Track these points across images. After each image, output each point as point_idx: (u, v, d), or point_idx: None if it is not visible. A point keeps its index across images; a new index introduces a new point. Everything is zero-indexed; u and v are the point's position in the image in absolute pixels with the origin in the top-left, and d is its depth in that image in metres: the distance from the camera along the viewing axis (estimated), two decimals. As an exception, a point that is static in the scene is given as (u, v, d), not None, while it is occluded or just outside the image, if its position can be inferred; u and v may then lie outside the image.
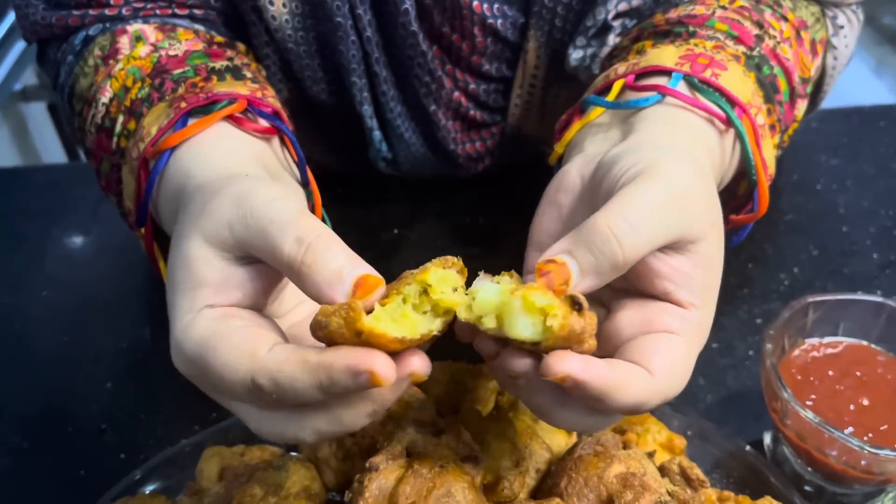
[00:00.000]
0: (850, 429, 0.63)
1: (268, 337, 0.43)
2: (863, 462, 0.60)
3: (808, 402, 0.65)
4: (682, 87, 0.58)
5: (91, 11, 0.71)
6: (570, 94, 0.84)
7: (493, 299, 0.42)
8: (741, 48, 0.63)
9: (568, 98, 0.84)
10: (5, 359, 0.85)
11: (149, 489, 0.66)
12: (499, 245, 0.92)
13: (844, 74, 0.94)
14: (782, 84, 0.64)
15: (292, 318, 0.53)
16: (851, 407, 0.64)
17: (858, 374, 0.66)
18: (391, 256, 0.92)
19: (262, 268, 0.47)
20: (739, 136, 0.58)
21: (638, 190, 0.46)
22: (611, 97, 0.60)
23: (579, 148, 0.59)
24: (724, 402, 0.75)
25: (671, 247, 0.47)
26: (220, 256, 0.46)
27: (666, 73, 0.59)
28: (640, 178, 0.46)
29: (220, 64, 0.67)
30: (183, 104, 0.59)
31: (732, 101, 0.58)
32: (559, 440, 0.63)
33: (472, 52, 0.81)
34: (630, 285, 0.50)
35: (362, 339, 0.40)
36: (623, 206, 0.45)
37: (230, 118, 0.59)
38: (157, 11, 0.72)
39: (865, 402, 0.64)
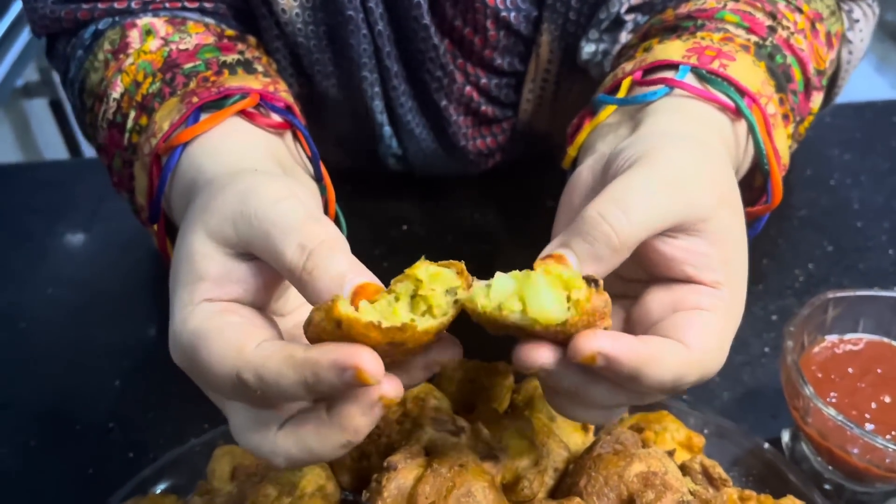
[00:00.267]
0: (872, 426, 0.62)
1: (258, 333, 0.43)
2: (887, 460, 0.59)
3: (829, 400, 0.64)
4: (690, 78, 0.58)
5: (100, 5, 0.70)
6: (582, 89, 0.83)
7: (510, 285, 0.41)
8: (752, 38, 0.62)
9: (581, 94, 0.83)
10: (11, 357, 0.84)
11: (159, 489, 0.65)
12: (509, 242, 0.91)
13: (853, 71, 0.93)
14: (797, 73, 0.64)
15: (297, 317, 0.52)
16: (873, 405, 0.63)
17: (879, 371, 0.65)
18: (400, 253, 0.91)
19: (264, 264, 0.46)
20: (750, 125, 0.57)
21: (630, 175, 0.46)
22: (620, 95, 0.60)
23: (592, 149, 0.58)
24: (741, 400, 0.74)
25: (680, 229, 0.46)
26: (223, 252, 0.45)
27: (673, 66, 0.59)
28: (635, 165, 0.47)
29: (231, 58, 0.66)
30: (195, 99, 0.59)
31: (742, 91, 0.58)
32: (576, 439, 0.62)
33: (485, 46, 0.80)
34: (653, 276, 0.49)
35: (343, 332, 0.38)
36: (614, 191, 0.45)
37: (242, 113, 0.59)
38: (167, 4, 0.71)
39: (887, 400, 0.63)
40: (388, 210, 0.96)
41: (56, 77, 1.89)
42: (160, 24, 0.68)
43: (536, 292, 0.41)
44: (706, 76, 0.58)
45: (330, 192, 0.62)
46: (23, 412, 0.78)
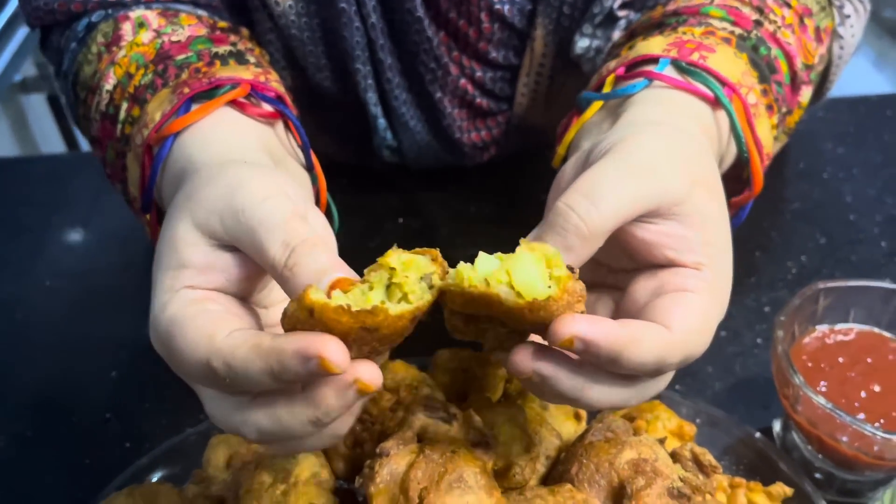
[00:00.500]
0: (862, 415, 0.62)
1: (232, 322, 0.43)
2: (875, 448, 0.59)
3: (820, 389, 0.64)
4: (669, 71, 0.58)
5: None
6: (576, 83, 0.83)
7: (494, 263, 0.41)
8: (737, 30, 0.63)
9: (575, 88, 0.83)
10: (8, 348, 0.84)
11: (155, 477, 0.65)
12: (504, 234, 0.91)
13: (845, 66, 0.93)
14: (783, 66, 0.64)
15: (280, 309, 0.52)
16: (863, 394, 0.64)
17: (869, 360, 0.66)
18: (395, 245, 0.91)
19: (248, 256, 0.47)
20: (728, 114, 0.58)
21: (600, 166, 0.47)
22: (604, 91, 0.60)
23: (577, 146, 0.59)
24: (733, 390, 0.75)
25: (656, 214, 0.47)
26: (207, 241, 0.46)
27: (654, 60, 0.60)
28: (606, 155, 0.48)
29: (223, 49, 0.66)
30: (186, 90, 0.59)
31: (722, 82, 0.58)
32: (569, 427, 0.63)
33: (479, 39, 0.80)
34: (638, 263, 0.50)
35: (316, 320, 0.38)
36: (583, 183, 0.46)
37: (233, 103, 0.59)
38: None
39: (877, 389, 0.64)
40: (384, 202, 0.96)
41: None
42: (153, 17, 0.69)
43: (522, 267, 0.41)
44: (686, 68, 0.58)
45: (321, 181, 0.62)
46: (20, 402, 0.78)
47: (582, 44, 0.76)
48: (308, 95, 0.85)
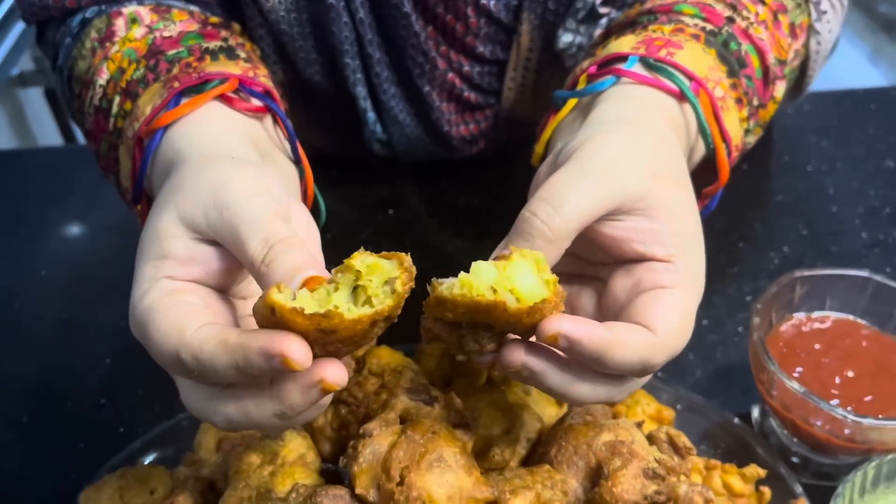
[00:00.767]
0: (836, 400, 0.64)
1: (204, 315, 0.45)
2: (846, 431, 0.61)
3: (795, 375, 0.66)
4: (637, 67, 0.60)
5: None
6: (563, 78, 0.84)
7: (491, 270, 0.43)
8: (708, 26, 0.65)
9: (561, 82, 0.85)
10: (4, 337, 0.86)
11: (148, 460, 0.67)
12: (493, 226, 0.92)
13: (840, 62, 0.94)
14: (754, 61, 0.66)
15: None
16: (837, 379, 0.65)
17: (844, 347, 0.67)
18: (385, 237, 0.93)
19: (228, 251, 0.48)
20: (693, 107, 0.59)
21: (560, 172, 0.49)
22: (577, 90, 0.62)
23: (553, 145, 0.60)
24: (713, 377, 0.77)
25: (620, 212, 0.49)
26: (190, 234, 0.48)
27: (624, 58, 0.61)
28: (567, 160, 0.50)
29: (214, 44, 0.68)
30: (176, 84, 0.60)
31: (688, 76, 0.60)
32: (550, 411, 0.64)
33: (466, 34, 0.81)
34: (614, 258, 0.52)
35: (277, 318, 0.40)
36: (544, 190, 0.48)
37: (222, 97, 0.60)
38: None
39: (850, 374, 0.65)
40: (374, 194, 0.98)
41: (50, 66, 1.91)
42: (145, 13, 0.70)
43: (520, 274, 0.43)
44: (653, 64, 0.60)
45: (308, 174, 0.64)
46: (16, 389, 0.80)
47: (566, 38, 0.78)
48: (299, 90, 0.86)
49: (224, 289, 0.50)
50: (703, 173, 0.62)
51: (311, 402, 0.43)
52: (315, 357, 0.42)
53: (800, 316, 0.70)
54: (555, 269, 0.47)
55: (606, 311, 0.52)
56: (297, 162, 0.63)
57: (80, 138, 1.96)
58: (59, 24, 0.75)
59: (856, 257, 0.87)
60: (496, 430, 0.57)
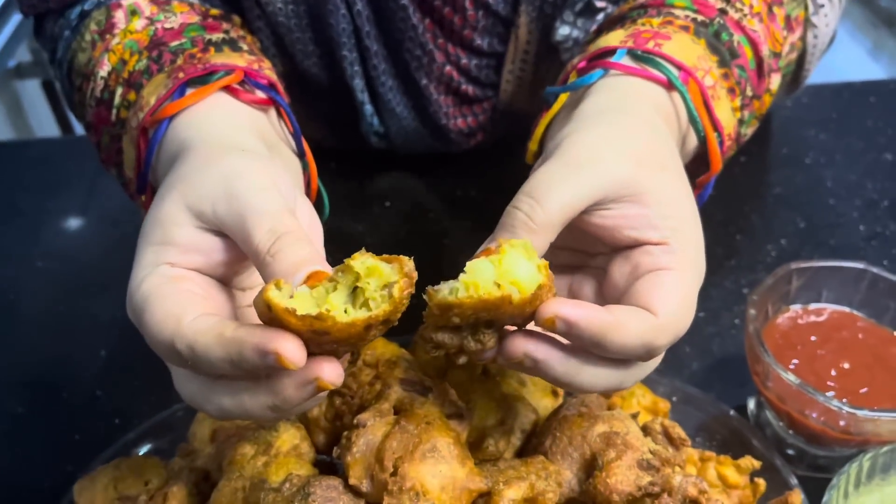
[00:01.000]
0: (831, 392, 0.64)
1: (201, 305, 0.45)
2: (841, 423, 0.61)
3: (790, 367, 0.66)
4: (625, 59, 0.60)
5: None
6: (561, 71, 0.84)
7: (488, 267, 0.43)
8: (699, 17, 0.65)
9: (559, 75, 0.85)
10: (0, 327, 0.86)
11: (142, 451, 0.67)
12: (490, 218, 0.93)
13: (840, 56, 0.94)
14: (747, 52, 0.65)
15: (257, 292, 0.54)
16: (833, 371, 0.65)
17: (840, 338, 0.67)
18: (382, 228, 0.93)
19: (231, 242, 0.48)
20: (681, 95, 0.59)
21: (543, 168, 0.49)
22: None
23: (545, 142, 0.60)
24: (710, 370, 0.77)
25: (607, 201, 0.49)
26: (194, 223, 0.48)
27: (613, 52, 0.61)
28: (551, 156, 0.50)
29: (216, 36, 0.68)
30: (181, 74, 0.60)
31: (677, 66, 0.60)
32: (545, 403, 0.64)
33: (464, 26, 0.81)
34: (609, 247, 0.52)
35: (273, 315, 0.40)
36: (528, 186, 0.48)
37: (227, 89, 0.60)
38: None
39: (846, 366, 0.65)
40: (371, 186, 0.98)
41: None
42: (145, 4, 0.70)
43: (517, 264, 0.43)
44: (641, 56, 0.60)
45: (312, 167, 0.64)
46: (10, 380, 0.80)
47: (563, 31, 0.77)
48: (297, 82, 0.86)
49: (224, 280, 0.50)
50: (701, 165, 0.62)
51: (305, 398, 0.43)
52: (312, 354, 0.42)
53: (796, 308, 0.70)
54: (554, 263, 0.47)
55: (608, 299, 0.52)
56: (300, 155, 0.63)
57: (78, 130, 1.96)
58: (57, 16, 0.75)
59: (853, 250, 0.87)
60: (490, 421, 0.57)
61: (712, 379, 0.76)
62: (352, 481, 0.50)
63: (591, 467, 0.55)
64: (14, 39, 1.72)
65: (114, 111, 0.65)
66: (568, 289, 0.56)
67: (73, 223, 0.99)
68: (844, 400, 0.61)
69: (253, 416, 0.45)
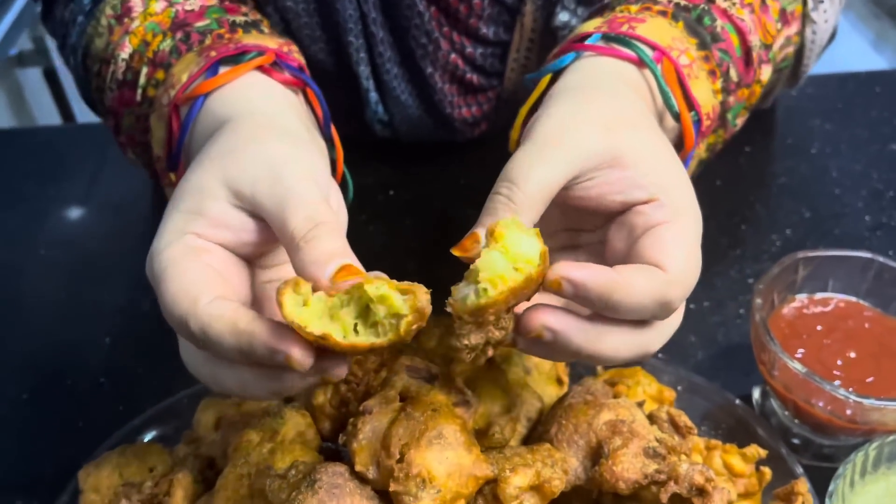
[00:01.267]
0: (837, 381, 0.64)
1: (217, 286, 0.45)
2: (848, 411, 0.61)
3: (797, 356, 0.66)
4: (599, 43, 0.60)
5: None
6: None
7: (497, 256, 0.43)
8: (681, 2, 0.65)
9: None
10: (4, 315, 0.86)
11: (147, 437, 0.67)
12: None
13: (843, 47, 0.94)
14: (733, 38, 0.65)
15: (278, 272, 0.54)
16: (839, 361, 0.65)
17: (846, 328, 0.67)
18: (386, 217, 0.93)
19: (261, 224, 0.48)
20: (652, 73, 0.59)
21: (517, 153, 0.49)
22: None
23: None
24: (715, 359, 0.76)
25: (587, 170, 0.49)
26: (229, 199, 0.48)
27: (588, 37, 0.61)
28: (523, 142, 0.50)
29: (239, 18, 0.68)
30: (213, 53, 0.60)
31: (650, 45, 0.60)
32: (551, 391, 0.64)
33: (470, 15, 0.81)
34: (603, 218, 0.52)
35: (284, 313, 0.41)
36: (504, 171, 0.49)
37: (260, 69, 0.60)
38: None
39: (852, 356, 0.65)
40: (375, 175, 0.97)
41: (51, 44, 1.90)
42: None
43: (518, 242, 0.44)
44: (613, 37, 0.60)
45: (339, 153, 0.64)
46: (15, 367, 0.80)
47: (562, 17, 0.77)
48: None
49: (247, 259, 0.50)
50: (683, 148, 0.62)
51: (308, 386, 0.45)
52: (321, 350, 0.43)
53: (802, 297, 0.70)
54: (552, 247, 0.47)
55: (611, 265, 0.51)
56: (328, 139, 0.63)
57: (80, 118, 1.96)
58: (67, 1, 0.75)
59: (859, 240, 0.87)
60: (496, 409, 0.57)
61: (717, 368, 0.76)
62: (358, 468, 0.50)
63: (596, 455, 0.55)
64: (15, 28, 1.72)
65: (139, 91, 0.65)
66: None
67: (76, 211, 0.98)
68: (850, 389, 0.61)
69: (254, 396, 0.46)
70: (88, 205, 0.99)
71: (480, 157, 0.97)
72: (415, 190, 0.95)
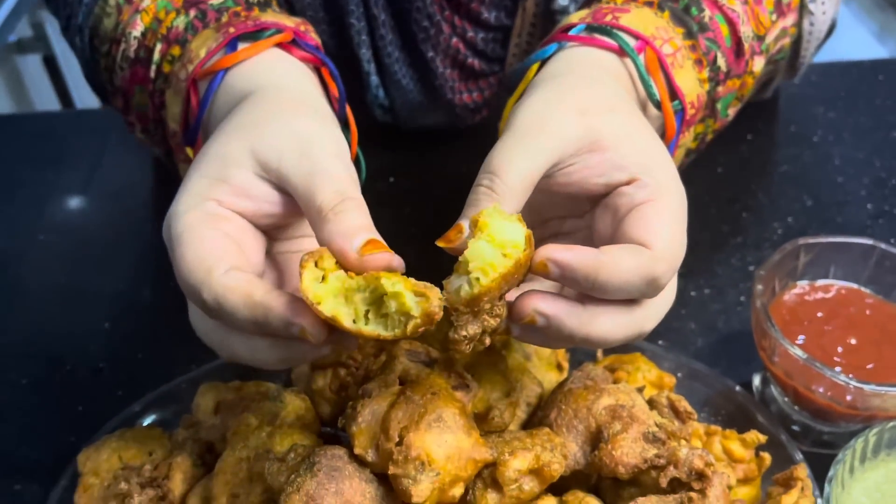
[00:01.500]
0: (839, 368, 0.63)
1: (233, 256, 0.45)
2: (848, 397, 0.60)
3: (797, 342, 0.65)
4: (582, 33, 0.60)
5: None
6: None
7: (484, 246, 0.44)
8: None
9: None
10: (4, 301, 0.85)
11: (146, 422, 0.67)
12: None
13: (846, 39, 0.93)
14: (722, 28, 0.65)
15: (294, 245, 0.54)
16: (839, 348, 0.65)
17: (847, 315, 0.67)
18: (386, 204, 0.91)
19: (284, 197, 0.49)
20: (633, 62, 0.59)
21: (497, 144, 0.49)
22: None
23: None
24: (715, 346, 0.76)
25: (567, 157, 0.49)
26: (254, 169, 0.48)
27: (573, 28, 0.62)
28: (503, 133, 0.50)
29: None
30: (231, 29, 0.60)
31: (633, 35, 0.60)
32: (550, 377, 0.64)
33: None
34: (588, 204, 0.52)
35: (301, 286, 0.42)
36: (485, 163, 0.49)
37: (279, 46, 0.60)
38: None
39: (853, 342, 0.65)
40: (375, 161, 0.96)
41: (51, 31, 1.89)
42: None
43: (503, 229, 0.44)
44: (596, 28, 0.60)
45: (353, 132, 0.65)
46: (15, 353, 0.79)
47: (562, 1, 0.77)
48: None
49: (265, 231, 0.51)
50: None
51: (319, 356, 0.46)
52: None
53: (803, 284, 0.70)
54: (541, 236, 0.47)
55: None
56: (342, 119, 0.63)
57: (79, 104, 1.95)
58: None
59: (861, 228, 0.86)
60: (496, 393, 0.57)
61: (717, 355, 0.75)
62: (357, 451, 0.50)
63: (596, 440, 0.55)
64: (14, 14, 1.71)
65: (153, 67, 0.65)
66: None
67: (75, 196, 0.98)
68: (851, 375, 0.60)
69: (263, 364, 0.46)
70: (88, 191, 0.99)
71: (482, 144, 0.96)
72: (415, 177, 0.95)
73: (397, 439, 0.48)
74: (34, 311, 0.84)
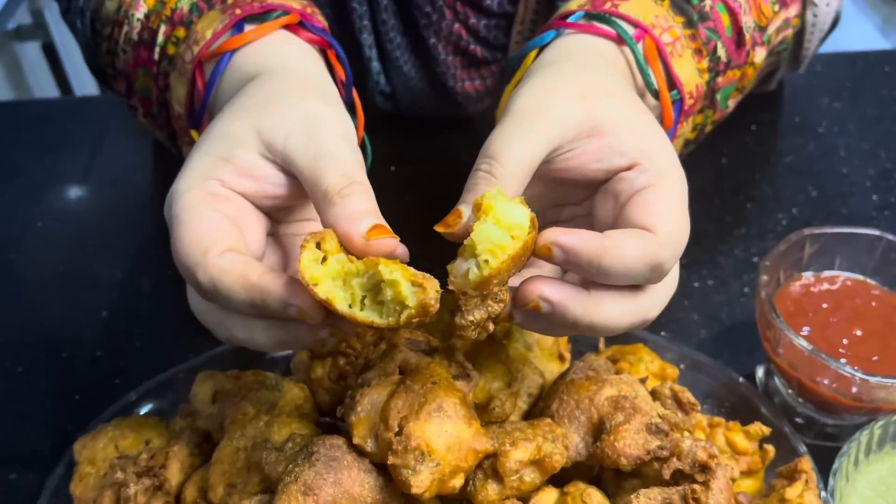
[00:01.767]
0: (844, 360, 0.63)
1: (230, 237, 0.45)
2: (854, 389, 0.60)
3: (802, 333, 0.65)
4: (580, 21, 0.60)
5: None
6: None
7: (491, 227, 0.43)
8: None
9: None
10: (1, 288, 0.85)
11: (143, 410, 0.66)
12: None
13: (850, 30, 0.92)
14: (723, 18, 0.65)
15: (295, 228, 0.54)
16: (845, 340, 0.64)
17: (852, 306, 0.66)
18: (386, 193, 0.91)
19: (288, 180, 0.48)
20: (632, 50, 0.58)
21: (495, 129, 0.49)
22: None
23: None
24: (718, 337, 0.76)
25: (566, 142, 0.48)
26: (260, 149, 0.48)
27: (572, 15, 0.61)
28: (502, 119, 0.50)
29: None
30: (237, 11, 0.60)
31: (632, 23, 0.59)
32: (552, 367, 0.63)
33: None
34: (589, 189, 0.51)
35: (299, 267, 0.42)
36: (484, 148, 0.48)
37: (286, 28, 0.60)
38: None
39: (858, 334, 0.64)
40: (376, 150, 0.95)
41: (50, 18, 1.88)
42: None
43: (507, 211, 0.43)
44: (595, 15, 0.59)
45: (360, 117, 0.64)
46: (11, 340, 0.79)
47: None
48: None
49: (266, 212, 0.50)
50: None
51: (317, 341, 0.45)
52: None
53: (808, 275, 0.69)
54: (541, 223, 0.46)
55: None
56: (348, 103, 0.62)
57: (78, 91, 1.94)
58: None
59: (866, 219, 0.86)
60: (497, 384, 0.56)
61: (720, 347, 0.75)
62: (356, 440, 0.49)
63: (598, 431, 0.54)
64: (14, 1, 1.70)
65: (157, 49, 0.64)
66: None
67: (74, 184, 0.97)
68: (856, 367, 0.60)
69: (261, 346, 0.46)
70: (87, 178, 0.98)
71: (484, 133, 0.95)
72: (416, 166, 0.94)
73: (397, 429, 0.48)
74: (32, 298, 0.84)
